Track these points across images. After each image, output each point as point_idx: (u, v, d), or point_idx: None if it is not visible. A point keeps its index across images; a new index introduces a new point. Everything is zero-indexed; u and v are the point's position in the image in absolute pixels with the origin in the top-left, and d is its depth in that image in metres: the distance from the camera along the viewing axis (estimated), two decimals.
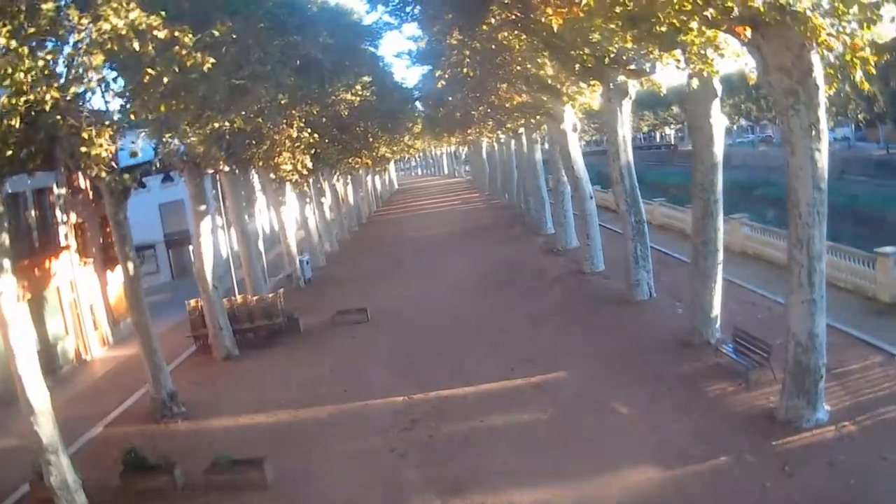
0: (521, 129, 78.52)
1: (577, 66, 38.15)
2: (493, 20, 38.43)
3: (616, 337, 38.02)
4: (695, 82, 28.77)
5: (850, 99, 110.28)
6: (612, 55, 36.46)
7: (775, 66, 21.89)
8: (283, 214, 67.67)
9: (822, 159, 22.42)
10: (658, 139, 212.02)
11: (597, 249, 53.13)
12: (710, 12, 20.88)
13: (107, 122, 24.86)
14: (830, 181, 23.67)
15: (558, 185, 63.17)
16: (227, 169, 51.26)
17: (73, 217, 51.60)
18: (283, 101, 44.50)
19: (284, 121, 48.22)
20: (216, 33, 24.24)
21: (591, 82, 42.16)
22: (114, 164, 28.89)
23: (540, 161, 77.26)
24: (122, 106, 26.91)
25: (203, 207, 44.51)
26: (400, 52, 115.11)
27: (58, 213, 49.70)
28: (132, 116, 27.19)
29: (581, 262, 54.24)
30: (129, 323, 47.03)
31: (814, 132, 22.02)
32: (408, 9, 40.44)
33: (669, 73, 34.16)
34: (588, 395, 30.31)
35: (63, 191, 50.11)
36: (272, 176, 58.31)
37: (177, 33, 21.45)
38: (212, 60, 23.56)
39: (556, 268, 56.95)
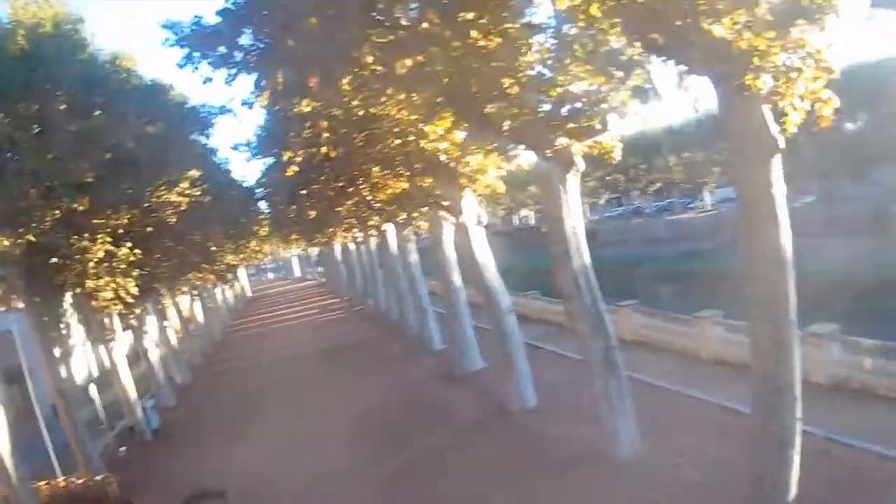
0: (386, 226, 66.62)
1: (507, 123, 26.48)
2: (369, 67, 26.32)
3: None
4: None
5: None
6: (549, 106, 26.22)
7: None
8: (115, 352, 51.45)
9: None
10: (517, 222, 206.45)
11: (525, 380, 39.59)
12: None
13: None
14: None
15: (450, 292, 50.70)
16: (21, 305, 37.44)
17: None
18: (79, 208, 31.96)
19: (85, 235, 35.45)
20: None
21: (512, 151, 31.20)
22: None
23: (417, 263, 64.38)
24: None
25: None
26: (237, 144, 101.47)
27: None
28: None
29: (502, 396, 40.72)
30: None
31: None
32: (237, 55, 27.46)
33: None
34: None
35: None
36: (94, 304, 44.71)
37: None
38: None
39: (468, 404, 43.19)
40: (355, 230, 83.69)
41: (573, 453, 31.29)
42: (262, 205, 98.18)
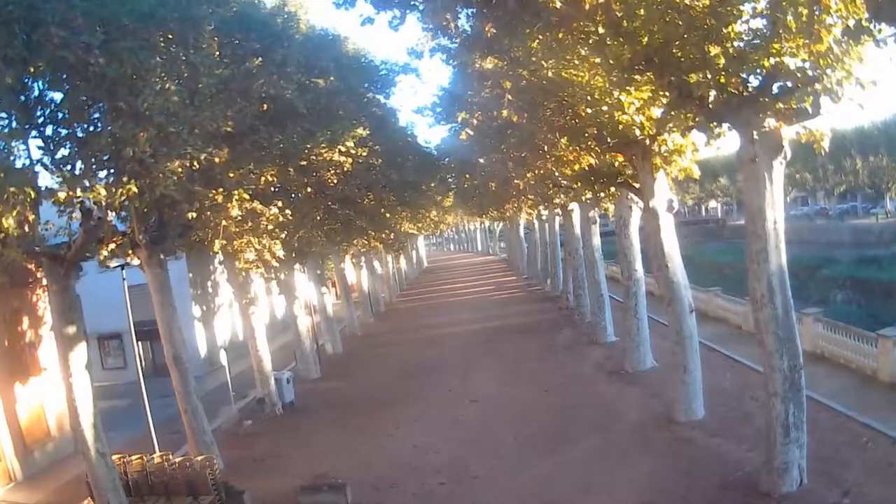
0: (572, 205, 62.42)
1: (712, 94, 23.03)
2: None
3: None
4: None
5: None
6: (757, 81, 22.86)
7: None
8: (254, 317, 48.14)
9: None
10: (703, 213, 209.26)
11: (696, 388, 35.77)
12: None
13: None
14: None
15: (629, 282, 46.48)
16: (135, 262, 34.77)
17: None
18: (218, 160, 28.68)
19: (220, 190, 32.69)
20: None
21: (716, 130, 26.44)
22: None
23: (599, 248, 59.42)
24: None
25: (72, 330, 27.76)
26: (421, 108, 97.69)
27: None
28: None
29: (670, 402, 36.89)
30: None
31: None
32: None
33: None
34: None
35: None
36: (237, 264, 41.91)
37: None
38: None
39: (633, 407, 39.20)
40: (540, 207, 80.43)
41: (734, 479, 28.19)
42: (448, 176, 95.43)
